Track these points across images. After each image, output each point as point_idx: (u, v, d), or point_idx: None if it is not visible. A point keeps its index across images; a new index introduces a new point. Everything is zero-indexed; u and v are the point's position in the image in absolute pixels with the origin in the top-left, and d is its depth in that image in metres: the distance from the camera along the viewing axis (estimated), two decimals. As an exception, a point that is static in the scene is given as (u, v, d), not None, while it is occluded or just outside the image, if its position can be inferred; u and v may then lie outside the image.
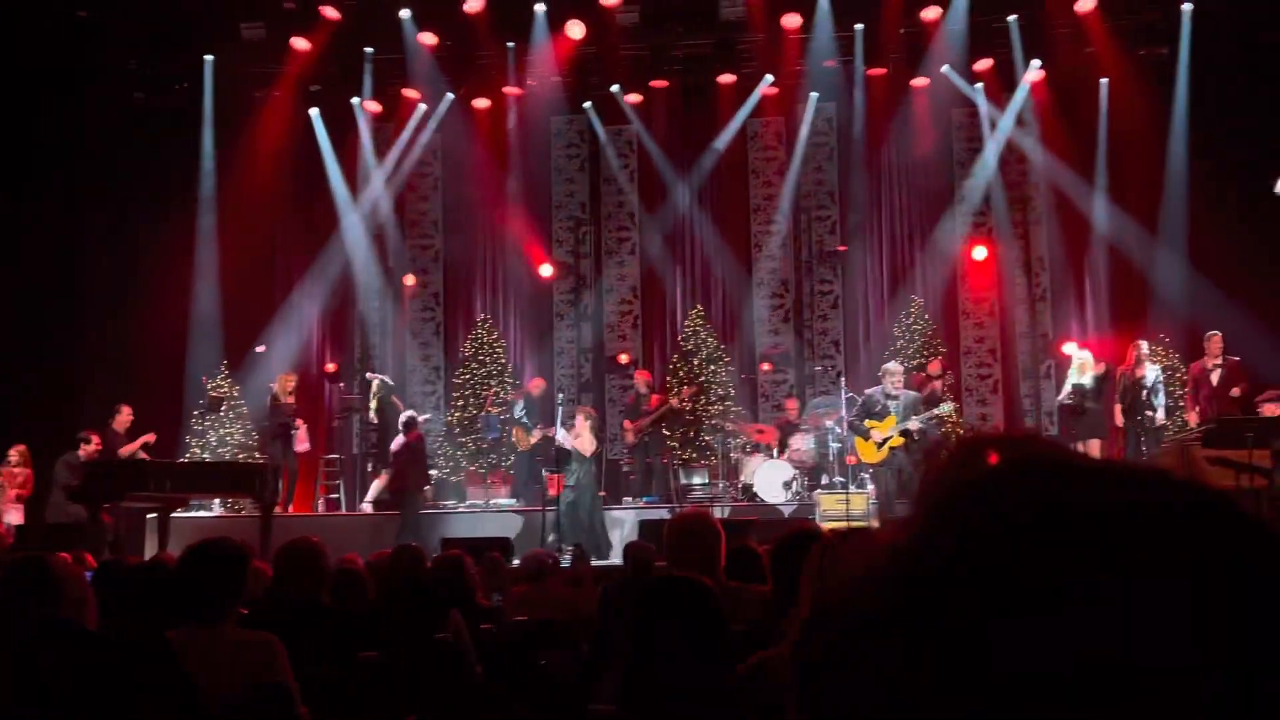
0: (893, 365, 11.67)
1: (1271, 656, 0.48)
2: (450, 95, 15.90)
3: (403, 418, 12.83)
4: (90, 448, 12.03)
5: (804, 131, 15.85)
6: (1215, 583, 0.49)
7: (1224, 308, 12.93)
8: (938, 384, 13.35)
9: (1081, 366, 12.83)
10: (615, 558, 11.61)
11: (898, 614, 0.51)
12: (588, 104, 16.05)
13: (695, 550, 4.21)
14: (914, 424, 11.04)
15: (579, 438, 12.06)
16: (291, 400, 13.74)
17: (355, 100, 15.86)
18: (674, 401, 14.09)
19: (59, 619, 3.39)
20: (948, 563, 0.51)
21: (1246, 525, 0.52)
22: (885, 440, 11.04)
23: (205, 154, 15.51)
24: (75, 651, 3.22)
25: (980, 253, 15.64)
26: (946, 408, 11.89)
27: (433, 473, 13.89)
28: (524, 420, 13.97)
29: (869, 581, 0.54)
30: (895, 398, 11.16)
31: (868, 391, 11.65)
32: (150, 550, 11.58)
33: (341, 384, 15.93)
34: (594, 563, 11.30)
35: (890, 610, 0.52)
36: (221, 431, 14.48)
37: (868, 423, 11.21)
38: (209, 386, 14.54)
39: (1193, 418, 12.21)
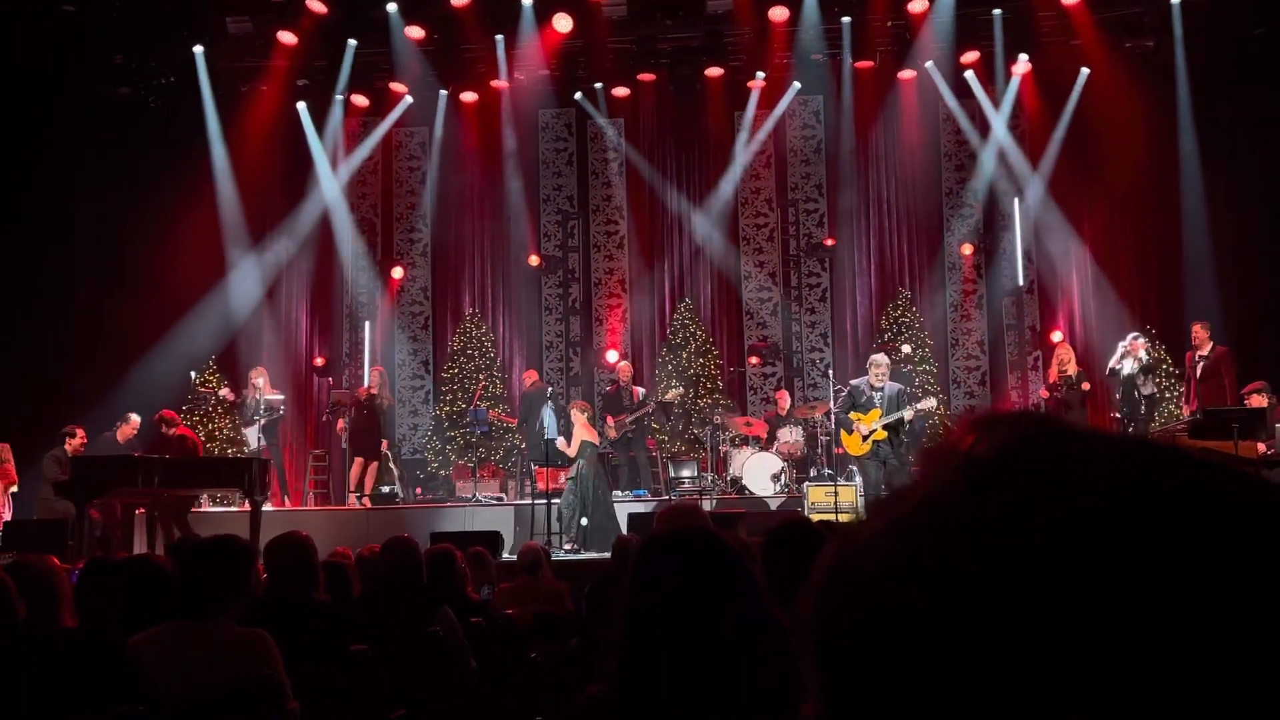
0: (878, 357, 11.55)
1: None
2: (443, 91, 15.88)
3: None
4: (75, 441, 11.97)
5: (779, 110, 15.82)
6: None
7: (1231, 297, 13.10)
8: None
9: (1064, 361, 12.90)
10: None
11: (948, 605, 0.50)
12: (578, 95, 16.03)
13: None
14: (909, 413, 10.99)
15: (577, 433, 12.06)
16: (272, 393, 13.78)
17: (339, 97, 15.82)
18: (666, 397, 14.15)
19: (14, 623, 3.40)
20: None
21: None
22: (869, 434, 11.01)
23: (214, 145, 15.43)
24: (26, 655, 3.23)
25: (968, 245, 15.69)
26: (931, 402, 11.84)
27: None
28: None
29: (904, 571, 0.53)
30: (880, 390, 11.09)
31: (853, 383, 11.59)
32: (140, 546, 11.54)
33: (330, 378, 15.89)
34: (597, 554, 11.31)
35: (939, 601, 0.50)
36: (210, 426, 14.44)
37: (852, 414, 11.17)
38: (196, 381, 14.49)
39: (1186, 410, 12.25)
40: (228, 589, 3.62)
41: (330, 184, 16.05)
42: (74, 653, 3.29)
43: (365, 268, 16.42)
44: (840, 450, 12.13)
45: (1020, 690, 0.48)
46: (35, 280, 14.28)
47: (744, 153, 16.12)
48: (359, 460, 13.81)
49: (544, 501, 11.96)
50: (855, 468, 12.19)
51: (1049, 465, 0.52)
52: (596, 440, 12.21)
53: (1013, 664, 0.48)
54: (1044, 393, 13.14)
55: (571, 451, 11.99)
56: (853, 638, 0.53)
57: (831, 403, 12.28)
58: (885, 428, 10.89)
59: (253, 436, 13.69)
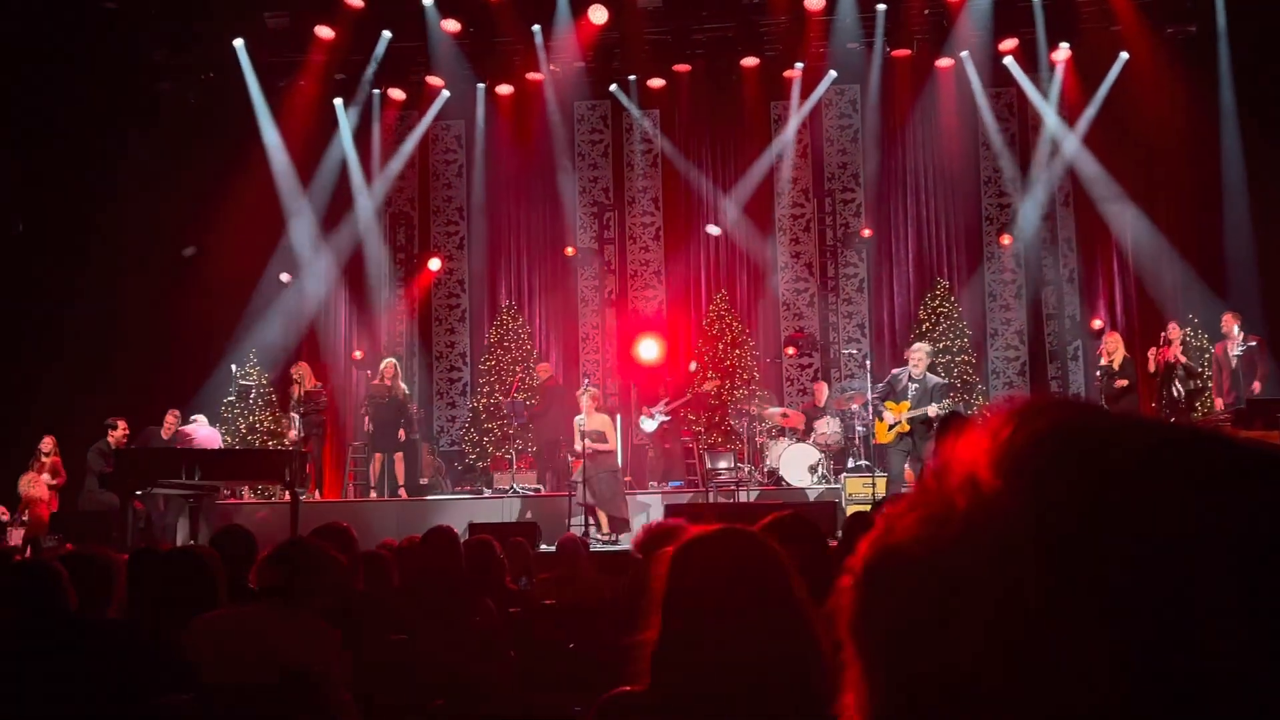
0: (918, 345, 11.44)
1: None
2: (480, 85, 15.95)
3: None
4: (118, 433, 12.12)
5: (814, 96, 15.73)
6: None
7: (1274, 288, 12.91)
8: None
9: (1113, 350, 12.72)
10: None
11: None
12: (614, 87, 16.04)
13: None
14: (933, 410, 10.74)
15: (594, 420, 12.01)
16: (317, 387, 13.87)
17: (376, 91, 15.92)
18: (704, 388, 14.13)
19: (63, 611, 3.46)
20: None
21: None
22: (894, 424, 10.87)
23: (266, 134, 15.52)
24: (75, 643, 3.29)
25: (1007, 235, 15.55)
26: (933, 408, 11.44)
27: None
28: None
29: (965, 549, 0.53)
30: (918, 381, 10.93)
31: (895, 371, 11.51)
32: (182, 537, 11.68)
33: (369, 371, 15.99)
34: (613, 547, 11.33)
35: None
36: (251, 419, 14.57)
37: (886, 403, 11.06)
38: (238, 375, 14.62)
39: (1219, 402, 12.10)
40: (321, 584, 3.69)
41: (366, 178, 16.13)
42: (120, 642, 3.34)
43: (403, 261, 16.51)
44: (877, 441, 12.06)
45: (1040, 687, 0.48)
46: (81, 276, 14.43)
47: (780, 143, 16.05)
48: (378, 455, 13.89)
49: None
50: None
51: (1083, 455, 0.52)
52: (601, 427, 11.99)
53: (1035, 656, 0.48)
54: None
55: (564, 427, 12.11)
56: (891, 630, 0.54)
57: (868, 394, 12.21)
58: (910, 421, 10.72)
59: (293, 429, 13.81)
